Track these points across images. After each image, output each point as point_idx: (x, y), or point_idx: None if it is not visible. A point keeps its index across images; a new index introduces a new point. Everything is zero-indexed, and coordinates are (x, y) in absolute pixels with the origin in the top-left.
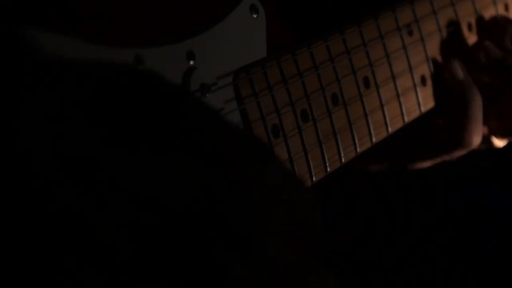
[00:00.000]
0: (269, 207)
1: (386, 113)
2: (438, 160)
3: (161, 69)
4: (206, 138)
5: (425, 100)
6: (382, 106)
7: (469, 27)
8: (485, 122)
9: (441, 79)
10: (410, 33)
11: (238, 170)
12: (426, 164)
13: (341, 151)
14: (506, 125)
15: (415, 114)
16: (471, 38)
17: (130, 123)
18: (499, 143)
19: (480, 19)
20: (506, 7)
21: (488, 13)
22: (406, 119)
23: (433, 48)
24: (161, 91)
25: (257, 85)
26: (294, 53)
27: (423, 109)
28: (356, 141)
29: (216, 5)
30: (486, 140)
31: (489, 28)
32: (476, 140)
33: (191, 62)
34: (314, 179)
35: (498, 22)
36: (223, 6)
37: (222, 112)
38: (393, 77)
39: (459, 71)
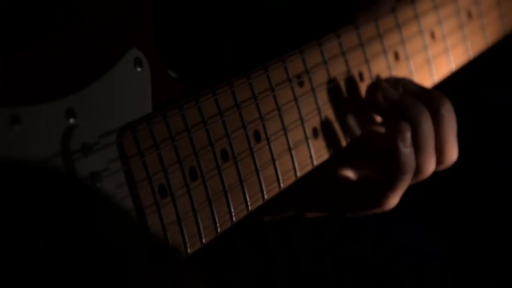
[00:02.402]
0: None
1: (278, 168)
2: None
3: (39, 128)
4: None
5: (318, 153)
6: (273, 160)
7: (360, 76)
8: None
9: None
10: (301, 84)
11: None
12: (316, 215)
13: (232, 210)
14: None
15: (308, 168)
16: (363, 88)
17: None
18: None
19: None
20: (396, 56)
21: (379, 62)
22: (299, 174)
23: (325, 99)
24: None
25: (143, 142)
26: (181, 108)
27: (316, 162)
28: (248, 199)
29: (98, 59)
30: None
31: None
32: (393, 204)
33: (71, 120)
34: (204, 241)
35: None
36: (106, 59)
37: (106, 173)
38: (285, 130)
39: (408, 144)
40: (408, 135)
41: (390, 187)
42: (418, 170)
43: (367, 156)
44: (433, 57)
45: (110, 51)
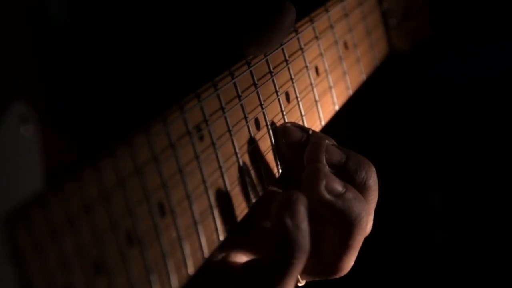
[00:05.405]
0: None
1: (185, 250)
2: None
3: None
4: None
5: (222, 225)
6: (180, 240)
7: (257, 124)
8: None
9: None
10: (201, 138)
11: None
12: None
13: None
14: (318, 266)
15: (215, 245)
16: (262, 139)
17: None
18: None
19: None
20: (287, 96)
21: (272, 106)
22: (206, 254)
23: (225, 155)
24: None
25: (39, 235)
26: (79, 180)
27: (221, 237)
28: None
29: None
30: None
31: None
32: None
33: None
34: None
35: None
36: None
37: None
38: (189, 199)
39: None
40: (301, 208)
41: (279, 275)
42: (342, 268)
43: (258, 233)
44: (319, 96)
45: None
